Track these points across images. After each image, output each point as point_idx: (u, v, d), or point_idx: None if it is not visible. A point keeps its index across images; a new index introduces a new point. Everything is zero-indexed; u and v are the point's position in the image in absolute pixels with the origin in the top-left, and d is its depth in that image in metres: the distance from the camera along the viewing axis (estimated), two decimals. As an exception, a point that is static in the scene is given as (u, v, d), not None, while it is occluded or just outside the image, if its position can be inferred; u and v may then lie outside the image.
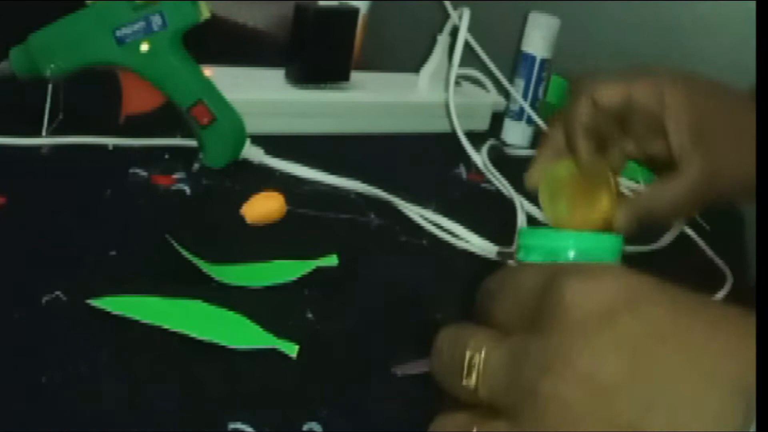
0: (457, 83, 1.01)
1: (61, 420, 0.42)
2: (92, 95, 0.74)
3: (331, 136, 0.90)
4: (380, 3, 1.11)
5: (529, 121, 1.02)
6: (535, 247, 0.51)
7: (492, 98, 1.05)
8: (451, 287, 0.65)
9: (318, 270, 0.59)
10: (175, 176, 0.70)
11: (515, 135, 1.03)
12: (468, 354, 0.32)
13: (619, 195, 0.68)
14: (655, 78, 0.63)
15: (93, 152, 0.72)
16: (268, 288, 0.57)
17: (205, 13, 0.70)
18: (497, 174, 0.86)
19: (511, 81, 1.03)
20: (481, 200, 0.82)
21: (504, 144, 1.01)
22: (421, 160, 0.91)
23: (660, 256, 0.78)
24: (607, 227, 0.68)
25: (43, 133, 0.71)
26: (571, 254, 0.50)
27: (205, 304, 0.52)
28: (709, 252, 0.81)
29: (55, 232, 0.59)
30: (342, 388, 0.49)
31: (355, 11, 0.92)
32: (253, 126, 0.75)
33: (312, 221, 0.69)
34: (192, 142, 0.74)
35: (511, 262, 0.66)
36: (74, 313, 0.50)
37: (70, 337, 0.48)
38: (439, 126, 0.98)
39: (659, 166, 0.65)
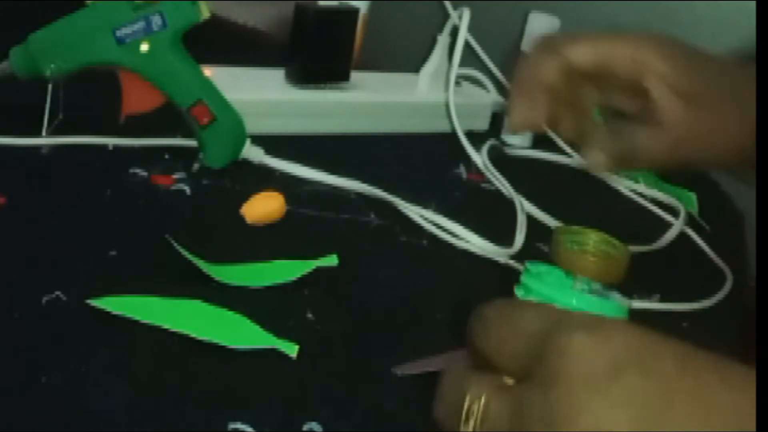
0: (457, 83, 1.01)
1: (61, 420, 0.42)
2: (92, 95, 0.74)
3: (331, 136, 0.90)
4: (380, 3, 1.11)
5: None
6: (536, 293, 0.51)
7: (492, 98, 1.05)
8: (451, 287, 0.65)
9: (318, 270, 0.59)
10: (175, 176, 0.70)
11: (515, 135, 1.03)
12: (467, 400, 0.31)
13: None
14: (633, 38, 0.61)
15: (93, 152, 0.72)
16: (268, 288, 0.57)
17: (205, 13, 0.70)
18: (497, 174, 0.86)
19: (511, 81, 1.03)
20: (481, 200, 0.82)
21: (504, 144, 1.01)
22: (421, 160, 0.91)
23: (660, 256, 0.78)
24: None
25: (43, 133, 0.71)
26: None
27: (204, 304, 0.52)
28: (709, 252, 0.81)
29: (55, 232, 0.59)
30: (342, 388, 0.49)
31: (355, 11, 0.92)
32: (253, 126, 0.75)
33: (312, 221, 0.69)
34: (192, 142, 0.74)
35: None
36: (74, 313, 0.50)
37: (70, 337, 0.48)
38: (439, 126, 0.98)
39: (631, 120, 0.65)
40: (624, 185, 0.93)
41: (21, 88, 0.71)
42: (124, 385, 0.45)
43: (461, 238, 0.71)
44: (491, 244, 0.70)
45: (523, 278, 0.53)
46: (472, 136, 0.96)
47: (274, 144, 0.78)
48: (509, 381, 0.33)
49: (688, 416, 0.28)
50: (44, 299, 0.50)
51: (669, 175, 0.94)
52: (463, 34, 0.99)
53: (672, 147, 0.61)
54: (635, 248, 0.74)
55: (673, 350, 0.30)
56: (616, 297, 0.54)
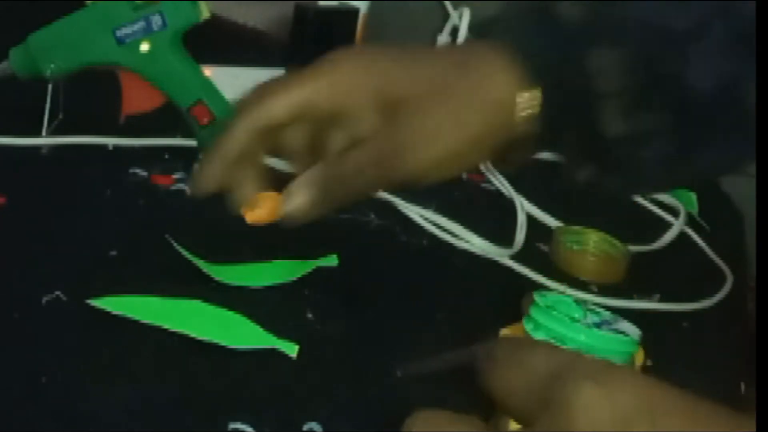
0: (457, 83, 1.00)
1: (61, 420, 0.42)
2: (92, 95, 0.74)
3: (331, 136, 0.89)
4: (380, 3, 1.11)
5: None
6: (545, 328, 0.51)
7: (492, 98, 1.05)
8: (451, 287, 0.65)
9: (318, 270, 0.59)
10: (175, 176, 0.70)
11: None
12: None
13: None
14: (328, 71, 0.54)
15: (93, 152, 0.72)
16: (268, 288, 0.57)
17: (205, 13, 0.70)
18: (497, 174, 0.86)
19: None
20: (481, 200, 0.82)
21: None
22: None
23: (660, 256, 0.78)
24: None
25: (43, 133, 0.71)
26: (578, 348, 0.50)
27: (204, 304, 0.52)
28: (709, 252, 0.81)
29: (55, 232, 0.59)
30: (342, 388, 0.49)
31: (355, 11, 0.92)
32: (253, 126, 0.75)
33: (312, 221, 0.69)
34: (192, 142, 0.74)
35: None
36: (74, 313, 0.50)
37: (70, 337, 0.48)
38: (439, 126, 0.98)
39: None
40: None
41: (21, 88, 0.70)
42: (124, 385, 0.45)
43: (461, 238, 0.71)
44: (491, 244, 0.70)
45: (532, 311, 0.52)
46: (472, 136, 0.95)
47: (274, 144, 0.77)
48: (515, 426, 0.33)
49: None
50: (44, 299, 0.50)
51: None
52: (463, 34, 0.99)
53: (382, 165, 0.52)
54: (635, 248, 0.74)
55: (682, 403, 0.30)
56: (626, 327, 0.54)
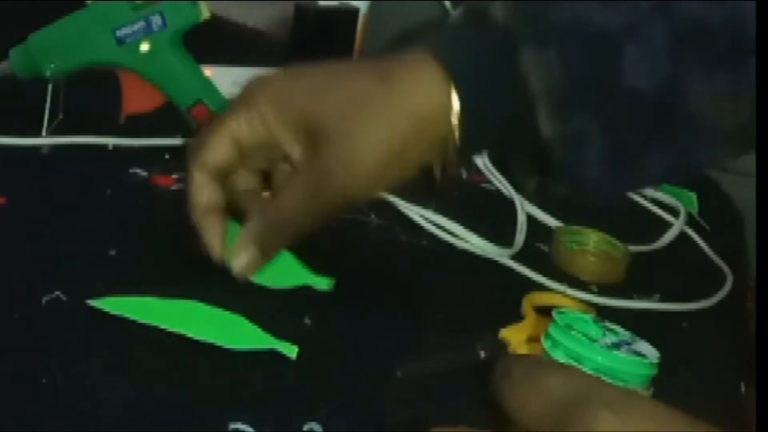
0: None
1: (61, 420, 0.42)
2: (92, 95, 0.74)
3: (331, 136, 0.89)
4: (380, 3, 1.11)
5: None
6: (562, 347, 0.51)
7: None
8: (451, 287, 0.65)
9: (317, 271, 0.59)
10: (175, 176, 0.70)
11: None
12: None
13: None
14: (245, 103, 0.53)
15: (93, 152, 0.72)
16: (267, 288, 0.57)
17: (205, 13, 0.70)
18: (497, 174, 0.86)
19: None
20: (481, 200, 0.82)
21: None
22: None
23: (660, 256, 0.78)
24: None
25: (43, 133, 0.71)
26: (595, 369, 0.50)
27: (203, 305, 0.52)
28: (709, 252, 0.81)
29: (55, 232, 0.59)
30: (342, 388, 0.49)
31: (355, 11, 0.91)
32: (253, 126, 0.75)
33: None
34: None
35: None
36: (74, 313, 0.50)
37: (70, 337, 0.48)
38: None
39: None
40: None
41: (21, 88, 0.71)
42: (124, 385, 0.45)
43: (461, 238, 0.71)
44: (491, 244, 0.70)
45: (550, 329, 0.52)
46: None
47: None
48: None
49: None
50: (44, 299, 0.50)
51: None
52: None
53: (313, 198, 0.52)
54: (635, 248, 0.74)
55: None
56: (644, 347, 0.54)
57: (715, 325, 0.68)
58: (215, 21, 0.73)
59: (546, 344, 0.52)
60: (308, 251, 0.61)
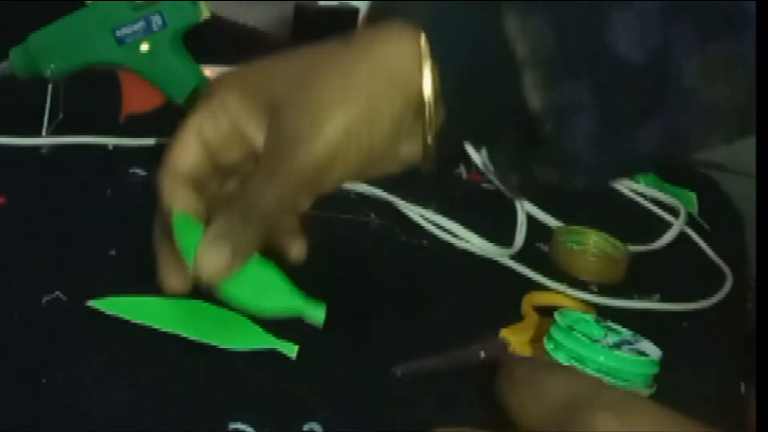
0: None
1: (61, 420, 0.42)
2: (92, 95, 0.74)
3: (331, 136, 0.89)
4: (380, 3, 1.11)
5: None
6: (565, 348, 0.51)
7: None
8: (451, 287, 0.65)
9: (317, 270, 0.59)
10: (175, 176, 0.70)
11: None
12: None
13: None
14: (209, 93, 0.50)
15: (93, 152, 0.72)
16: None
17: (205, 13, 0.70)
18: (497, 174, 0.86)
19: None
20: (481, 200, 0.82)
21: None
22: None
23: (660, 256, 0.78)
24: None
25: (43, 133, 0.71)
26: (597, 369, 0.50)
27: (205, 304, 0.52)
28: (709, 252, 0.81)
29: (55, 232, 0.59)
30: (342, 388, 0.49)
31: (355, 11, 0.92)
32: (253, 126, 0.75)
33: (312, 221, 0.69)
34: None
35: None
36: (74, 313, 0.50)
37: (70, 337, 0.48)
38: (439, 126, 0.98)
39: None
40: (624, 185, 0.92)
41: (21, 88, 0.71)
42: (124, 385, 0.45)
43: (461, 238, 0.71)
44: (491, 244, 0.70)
45: (552, 331, 0.52)
46: (472, 136, 0.96)
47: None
48: None
49: None
50: (44, 299, 0.50)
51: (669, 175, 0.94)
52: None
53: (278, 175, 0.47)
54: (635, 248, 0.74)
55: None
56: (646, 346, 0.54)
57: (715, 325, 0.68)
58: (215, 21, 0.73)
59: (548, 346, 0.52)
60: (308, 251, 0.61)
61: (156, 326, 0.50)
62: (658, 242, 0.80)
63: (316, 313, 0.48)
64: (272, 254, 0.49)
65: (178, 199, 0.48)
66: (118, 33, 0.69)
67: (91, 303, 0.50)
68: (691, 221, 0.85)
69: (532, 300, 0.63)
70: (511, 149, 0.52)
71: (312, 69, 0.48)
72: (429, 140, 0.49)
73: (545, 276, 0.67)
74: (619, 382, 0.51)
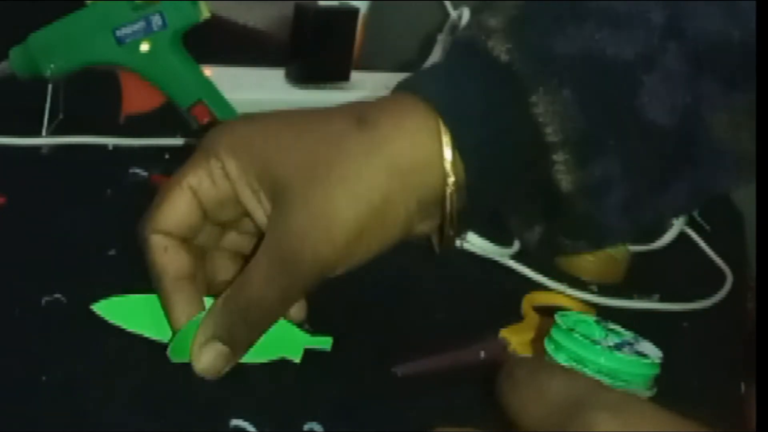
0: (457, 83, 1.00)
1: (61, 420, 0.42)
2: (92, 95, 0.74)
3: (331, 136, 0.90)
4: (380, 3, 1.11)
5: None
6: (566, 350, 0.51)
7: (492, 98, 1.05)
8: (451, 287, 0.65)
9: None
10: (175, 176, 0.70)
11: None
12: None
13: None
14: (206, 150, 0.47)
15: (93, 152, 0.72)
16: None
17: (205, 13, 0.70)
18: (497, 174, 0.86)
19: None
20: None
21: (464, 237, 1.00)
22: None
23: (660, 256, 0.78)
24: None
25: (43, 133, 0.71)
26: (597, 371, 0.50)
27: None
28: (709, 252, 0.81)
29: (55, 232, 0.59)
30: (342, 388, 0.49)
31: (355, 11, 0.91)
32: (253, 126, 0.75)
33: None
34: (192, 142, 0.74)
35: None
36: (74, 312, 0.50)
37: (70, 337, 0.48)
38: (439, 126, 0.98)
39: None
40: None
41: (21, 88, 0.71)
42: (124, 384, 0.45)
43: (461, 238, 0.71)
44: (491, 244, 0.70)
45: (553, 332, 0.52)
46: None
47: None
48: None
49: None
50: (44, 299, 0.50)
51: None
52: (463, 34, 0.99)
53: (284, 271, 0.44)
54: (635, 248, 0.74)
55: None
56: (647, 347, 0.54)
57: (715, 325, 0.68)
58: (215, 21, 0.73)
59: (549, 347, 0.52)
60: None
61: (162, 339, 0.48)
62: (658, 242, 0.79)
63: (325, 345, 0.49)
64: None
65: (170, 259, 0.47)
66: (118, 33, 0.69)
67: (93, 308, 0.49)
68: (691, 221, 0.85)
69: (533, 300, 0.63)
70: (536, 227, 0.51)
71: (323, 157, 0.45)
72: (449, 231, 0.47)
73: (545, 276, 0.67)
74: (620, 384, 0.51)
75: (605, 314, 0.60)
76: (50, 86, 0.70)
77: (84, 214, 0.62)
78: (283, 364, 0.50)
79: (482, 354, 0.55)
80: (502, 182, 0.48)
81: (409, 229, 0.47)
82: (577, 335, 0.51)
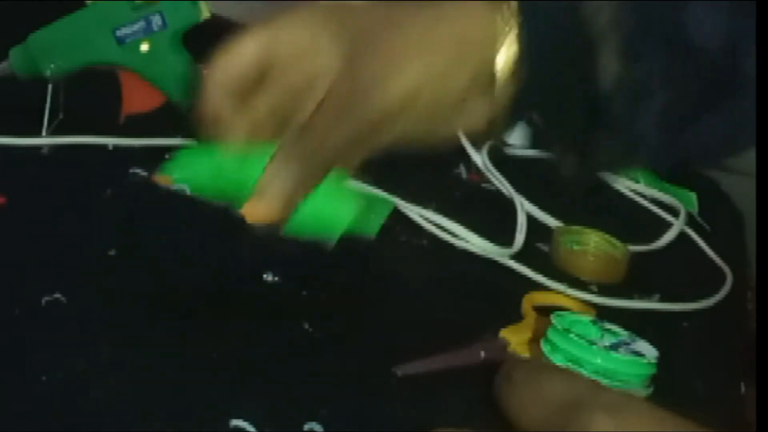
0: (457, 83, 1.00)
1: (61, 420, 0.42)
2: (92, 95, 0.74)
3: (331, 136, 0.90)
4: (380, 3, 1.11)
5: (529, 121, 1.02)
6: (562, 351, 0.51)
7: (492, 98, 1.05)
8: (451, 287, 0.65)
9: (317, 270, 0.59)
10: (176, 176, 0.70)
11: (515, 135, 1.03)
12: None
13: None
14: (285, 15, 0.50)
15: (93, 152, 0.72)
16: (267, 287, 0.57)
17: (205, 13, 0.70)
18: (497, 174, 0.86)
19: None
20: (481, 200, 0.82)
21: (504, 144, 1.01)
22: (421, 160, 0.91)
23: (660, 256, 0.78)
24: None
25: (43, 133, 0.71)
26: (594, 371, 0.50)
27: None
28: (709, 252, 0.81)
29: (55, 232, 0.59)
30: (342, 388, 0.49)
31: (355, 11, 0.91)
32: (253, 126, 0.75)
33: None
34: (192, 142, 0.74)
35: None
36: (74, 312, 0.50)
37: (70, 337, 0.48)
38: (439, 126, 0.98)
39: None
40: (624, 185, 0.93)
41: (21, 88, 0.71)
42: (124, 383, 0.45)
43: (461, 238, 0.71)
44: (491, 244, 0.70)
45: (549, 334, 0.53)
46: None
47: (274, 144, 0.78)
48: None
49: None
50: (44, 299, 0.50)
51: (669, 175, 0.94)
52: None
53: (351, 110, 0.47)
54: (635, 248, 0.74)
55: None
56: (643, 347, 0.54)
57: (715, 325, 0.68)
58: (215, 21, 0.73)
59: (545, 348, 0.53)
60: (308, 251, 0.61)
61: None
62: (658, 242, 0.80)
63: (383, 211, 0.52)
64: None
65: (227, 110, 0.48)
66: (118, 33, 0.69)
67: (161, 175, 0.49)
68: (691, 221, 0.85)
69: (532, 300, 0.63)
70: (574, 126, 0.52)
71: (397, 16, 0.49)
72: (496, 111, 0.49)
73: (545, 276, 0.67)
74: (616, 384, 0.51)
75: (605, 314, 0.60)
76: (50, 86, 0.70)
77: (84, 214, 0.62)
78: (283, 362, 0.50)
79: (482, 354, 0.55)
80: (553, 72, 0.49)
81: (460, 105, 0.49)
82: (573, 336, 0.51)
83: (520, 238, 0.72)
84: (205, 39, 0.71)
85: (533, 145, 1.01)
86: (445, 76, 0.48)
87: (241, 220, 0.65)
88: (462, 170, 0.88)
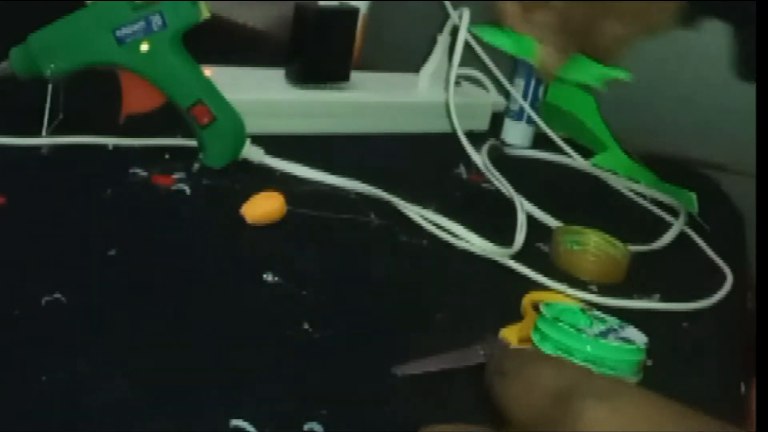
0: (457, 83, 1.01)
1: (61, 419, 0.42)
2: (92, 95, 0.74)
3: (331, 136, 0.90)
4: (380, 3, 1.11)
5: (529, 121, 1.02)
6: (551, 340, 0.51)
7: (492, 98, 1.05)
8: (451, 287, 0.65)
9: (317, 270, 0.59)
10: (175, 176, 0.70)
11: (515, 135, 1.03)
12: None
13: None
14: None
15: (93, 152, 0.72)
16: (266, 286, 0.57)
17: (205, 13, 0.70)
18: (497, 174, 0.86)
19: (511, 81, 1.03)
20: (481, 200, 0.82)
21: (504, 144, 1.01)
22: (421, 160, 0.91)
23: (660, 256, 0.78)
24: None
25: (43, 133, 0.71)
26: (584, 359, 0.50)
27: None
28: (709, 252, 0.81)
29: (55, 232, 0.59)
30: (342, 388, 0.49)
31: (355, 11, 0.92)
32: (253, 126, 0.75)
33: (312, 221, 0.69)
34: (192, 142, 0.74)
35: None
36: (74, 312, 0.50)
37: (69, 337, 0.48)
38: (439, 126, 0.98)
39: None
40: (624, 185, 0.93)
41: (21, 88, 0.71)
42: (124, 383, 0.45)
43: (461, 238, 0.71)
44: (491, 244, 0.70)
45: (539, 323, 0.53)
46: (472, 136, 0.95)
47: (274, 144, 0.78)
48: None
49: None
50: (44, 299, 0.50)
51: (669, 175, 0.94)
52: (463, 34, 0.99)
53: None
54: (635, 248, 0.74)
55: (687, 421, 0.30)
56: (632, 333, 0.54)
57: (715, 325, 0.68)
58: (215, 21, 0.73)
59: (535, 338, 0.53)
60: (308, 251, 0.61)
61: None
62: (658, 242, 0.80)
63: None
64: None
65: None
66: (118, 33, 0.69)
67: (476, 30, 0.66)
68: (691, 221, 0.85)
69: (532, 300, 0.63)
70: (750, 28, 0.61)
71: None
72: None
73: (545, 276, 0.67)
74: (606, 371, 0.51)
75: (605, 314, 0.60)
76: (50, 86, 0.70)
77: (84, 214, 0.62)
78: (283, 362, 0.50)
79: (482, 354, 0.55)
80: None
81: None
82: (562, 324, 0.51)
83: (520, 238, 0.72)
84: (205, 39, 0.71)
85: (533, 145, 1.01)
86: None
87: (242, 220, 0.65)
88: (462, 170, 0.88)
